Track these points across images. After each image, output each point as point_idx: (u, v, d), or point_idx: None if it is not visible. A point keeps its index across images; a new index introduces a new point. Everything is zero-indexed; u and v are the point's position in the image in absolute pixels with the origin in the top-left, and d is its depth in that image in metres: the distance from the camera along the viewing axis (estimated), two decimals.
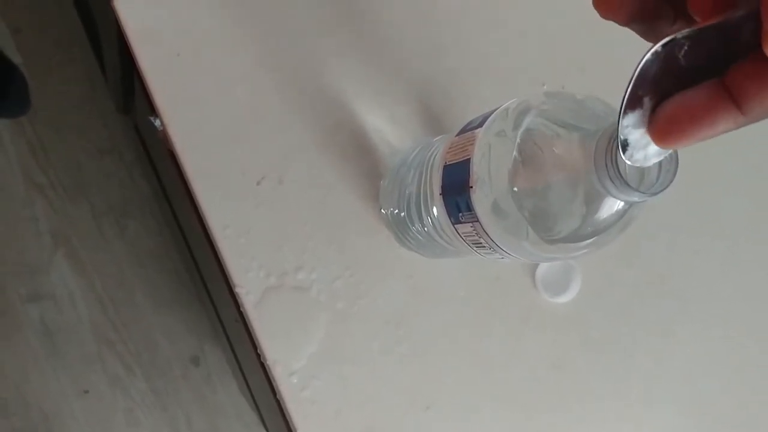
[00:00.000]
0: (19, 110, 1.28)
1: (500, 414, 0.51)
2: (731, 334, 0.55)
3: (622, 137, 0.24)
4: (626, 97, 0.23)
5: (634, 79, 0.23)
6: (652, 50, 0.23)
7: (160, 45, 0.48)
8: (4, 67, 1.28)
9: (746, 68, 0.22)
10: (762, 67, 0.22)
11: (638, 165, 0.25)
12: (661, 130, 0.23)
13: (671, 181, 0.29)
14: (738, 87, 0.22)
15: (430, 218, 0.41)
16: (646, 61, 0.23)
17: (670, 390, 0.53)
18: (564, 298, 0.52)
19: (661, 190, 0.28)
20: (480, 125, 0.36)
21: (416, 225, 0.44)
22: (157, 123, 0.50)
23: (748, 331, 0.55)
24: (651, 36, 0.26)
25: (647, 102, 0.24)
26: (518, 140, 0.32)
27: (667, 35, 0.22)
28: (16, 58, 1.29)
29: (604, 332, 0.53)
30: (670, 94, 0.23)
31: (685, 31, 0.22)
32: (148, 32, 0.48)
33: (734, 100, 0.22)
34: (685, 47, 0.23)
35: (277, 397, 0.49)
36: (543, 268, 0.52)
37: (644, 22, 0.25)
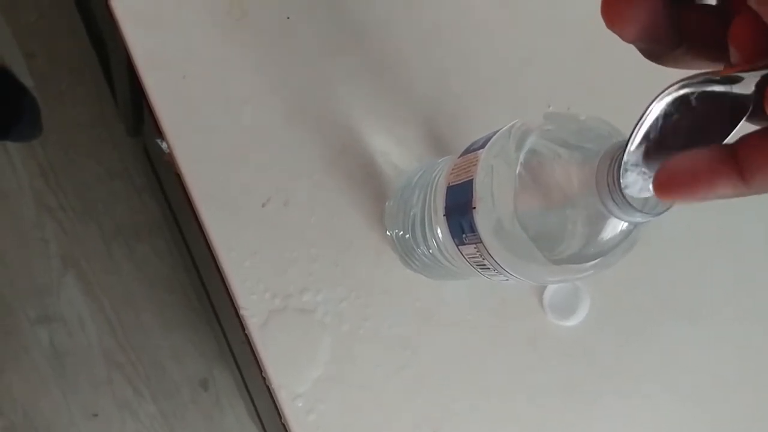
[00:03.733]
0: (31, 134, 1.30)
1: None
2: (743, 357, 0.54)
3: (624, 167, 0.24)
4: (636, 131, 0.23)
5: (649, 113, 0.23)
6: (665, 92, 0.22)
7: (166, 67, 0.49)
8: (17, 91, 1.29)
9: (756, 138, 0.22)
10: None
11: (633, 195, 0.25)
12: (661, 183, 0.23)
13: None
14: (745, 156, 0.22)
15: (435, 240, 0.41)
16: (661, 103, 0.22)
17: (680, 413, 0.53)
18: (572, 322, 0.51)
19: (664, 211, 0.28)
20: (482, 146, 0.36)
21: (421, 247, 0.44)
22: (164, 145, 0.50)
23: (760, 353, 0.54)
24: (653, 57, 0.26)
25: (653, 141, 0.23)
26: (521, 161, 0.32)
27: (672, 59, 0.22)
28: (28, 83, 1.31)
29: (613, 356, 0.52)
30: (684, 135, 0.23)
31: (717, 72, 0.22)
32: (155, 55, 0.49)
33: (739, 168, 0.22)
34: (698, 94, 0.22)
35: (283, 421, 0.48)
36: (550, 291, 0.51)
37: (651, 41, 0.25)
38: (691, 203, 0.23)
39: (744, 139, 0.22)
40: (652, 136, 0.23)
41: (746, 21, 0.22)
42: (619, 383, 0.52)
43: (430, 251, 0.43)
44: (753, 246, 0.55)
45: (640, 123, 0.23)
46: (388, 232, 0.49)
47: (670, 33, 0.24)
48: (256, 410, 1.08)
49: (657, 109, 0.23)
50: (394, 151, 0.51)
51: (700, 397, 0.53)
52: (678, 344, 0.53)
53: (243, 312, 0.47)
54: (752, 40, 0.22)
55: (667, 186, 0.23)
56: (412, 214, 0.44)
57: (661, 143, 0.24)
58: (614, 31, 0.24)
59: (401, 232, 0.46)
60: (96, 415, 1.28)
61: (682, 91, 0.22)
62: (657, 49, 0.25)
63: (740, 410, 0.54)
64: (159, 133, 0.51)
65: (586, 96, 0.54)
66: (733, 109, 0.23)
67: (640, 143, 0.24)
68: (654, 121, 0.23)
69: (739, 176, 0.22)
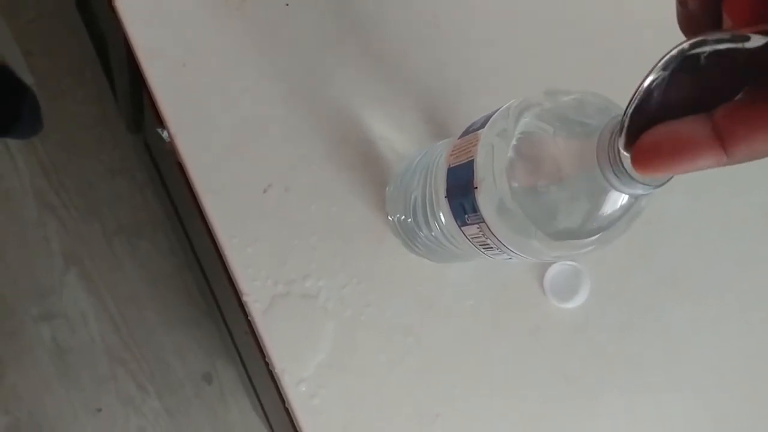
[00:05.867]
0: (31, 131, 1.30)
1: (510, 423, 0.50)
2: (747, 339, 0.54)
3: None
4: (638, 91, 0.23)
5: (649, 75, 0.22)
6: (678, 48, 0.22)
7: (166, 56, 0.49)
8: (17, 89, 1.30)
9: (737, 108, 0.22)
10: (754, 109, 0.21)
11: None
12: (641, 156, 0.23)
13: None
14: (726, 128, 0.22)
15: (437, 222, 0.41)
16: (669, 58, 0.22)
17: (682, 398, 0.53)
18: (573, 304, 0.51)
19: (665, 182, 0.28)
20: (482, 126, 0.36)
21: (423, 230, 0.44)
22: (165, 134, 0.50)
23: (763, 334, 0.54)
24: (690, 26, 0.25)
25: (655, 104, 0.23)
26: (518, 137, 0.32)
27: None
28: (28, 80, 1.31)
29: (615, 337, 0.52)
30: (679, 106, 0.23)
31: (716, 34, 0.21)
32: (155, 43, 0.49)
33: (720, 139, 0.22)
34: (709, 52, 0.22)
35: (286, 406, 0.48)
36: (551, 273, 0.51)
37: (702, 4, 0.24)
38: (671, 175, 0.23)
39: (724, 109, 0.22)
40: (656, 96, 0.23)
41: None
42: (621, 367, 0.52)
43: (433, 234, 0.43)
44: (756, 227, 0.55)
45: (642, 81, 0.23)
46: (389, 217, 0.49)
47: (717, 3, 0.24)
48: (261, 404, 1.08)
49: (661, 65, 0.22)
50: (394, 136, 0.51)
51: (702, 380, 0.53)
52: (679, 327, 0.53)
53: (246, 298, 0.48)
54: (747, 4, 0.22)
55: (646, 159, 0.23)
56: (413, 197, 0.44)
57: (665, 106, 0.23)
58: None
59: (403, 217, 0.47)
60: (100, 411, 1.28)
61: (692, 50, 0.22)
62: (698, 19, 0.25)
63: (742, 393, 0.54)
64: (160, 122, 0.51)
65: (585, 85, 0.54)
66: (743, 71, 0.22)
67: (642, 106, 0.23)
68: (660, 80, 0.23)
69: (720, 147, 0.22)
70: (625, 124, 0.24)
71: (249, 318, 0.48)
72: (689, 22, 0.25)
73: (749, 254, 0.55)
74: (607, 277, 0.52)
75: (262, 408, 1.09)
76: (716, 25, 0.24)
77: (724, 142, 0.22)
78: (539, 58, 0.54)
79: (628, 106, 0.24)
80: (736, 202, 0.56)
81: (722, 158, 0.22)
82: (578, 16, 0.54)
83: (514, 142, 0.33)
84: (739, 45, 0.21)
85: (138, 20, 0.49)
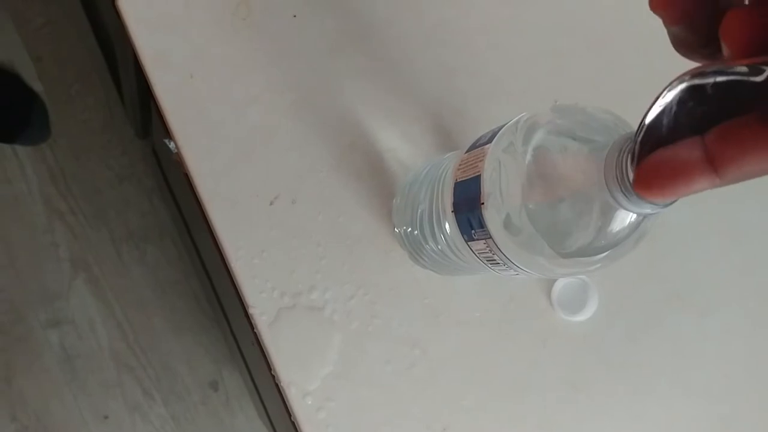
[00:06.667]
0: (40, 138, 1.31)
1: None
2: (755, 350, 0.54)
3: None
4: (646, 118, 0.23)
5: (656, 104, 0.22)
6: (679, 81, 0.22)
7: (173, 67, 0.49)
8: (26, 96, 1.31)
9: (728, 129, 0.21)
10: (743, 129, 0.21)
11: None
12: (641, 180, 0.23)
13: None
14: (717, 149, 0.21)
15: (443, 235, 0.41)
16: (673, 91, 0.22)
17: (690, 408, 0.52)
18: (581, 317, 0.51)
19: (673, 201, 0.27)
20: (489, 141, 0.36)
21: (429, 243, 0.44)
22: (172, 145, 0.50)
23: None
24: (684, 48, 0.25)
25: (666, 129, 0.23)
26: (528, 155, 0.32)
27: (700, 56, 0.21)
28: (37, 87, 1.32)
29: (622, 351, 0.52)
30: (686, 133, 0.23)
31: (713, 66, 0.21)
32: (162, 54, 0.49)
33: (712, 161, 0.21)
34: (713, 83, 0.22)
35: (292, 419, 0.48)
36: (559, 286, 0.51)
37: (690, 29, 0.24)
38: (673, 198, 0.23)
39: (716, 131, 0.22)
40: (665, 122, 0.23)
41: (739, 15, 0.22)
42: (629, 379, 0.52)
43: (439, 247, 0.43)
44: (762, 239, 0.55)
45: (649, 110, 0.23)
46: (396, 229, 0.49)
47: (708, 25, 0.24)
48: (266, 411, 1.08)
49: (669, 96, 0.22)
50: (401, 148, 0.51)
51: (711, 392, 0.53)
52: (687, 339, 0.53)
53: (252, 310, 0.47)
54: (746, 35, 0.22)
55: (647, 183, 0.23)
56: (419, 210, 0.44)
57: (676, 131, 0.23)
58: (657, 14, 0.24)
59: (409, 229, 0.46)
60: (107, 417, 1.28)
61: (696, 81, 0.22)
62: (691, 40, 0.25)
63: (750, 405, 0.53)
64: (167, 133, 0.51)
65: (592, 93, 0.54)
66: (749, 99, 0.22)
67: (651, 131, 0.23)
68: (668, 108, 0.23)
69: (713, 169, 0.21)
70: (636, 151, 0.24)
71: (255, 330, 0.48)
72: (679, 43, 0.25)
73: (756, 265, 0.55)
74: (614, 290, 0.52)
75: (268, 416, 1.09)
76: (706, 44, 0.24)
77: (715, 164, 0.21)
78: (547, 67, 0.54)
79: (637, 132, 0.23)
80: (743, 213, 0.55)
81: (715, 180, 0.22)
82: (585, 25, 0.54)
83: (522, 158, 0.32)
84: (740, 78, 0.21)
85: (145, 29, 0.49)
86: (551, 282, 0.51)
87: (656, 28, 0.53)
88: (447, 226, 0.40)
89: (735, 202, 0.55)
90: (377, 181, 0.50)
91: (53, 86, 1.32)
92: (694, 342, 0.53)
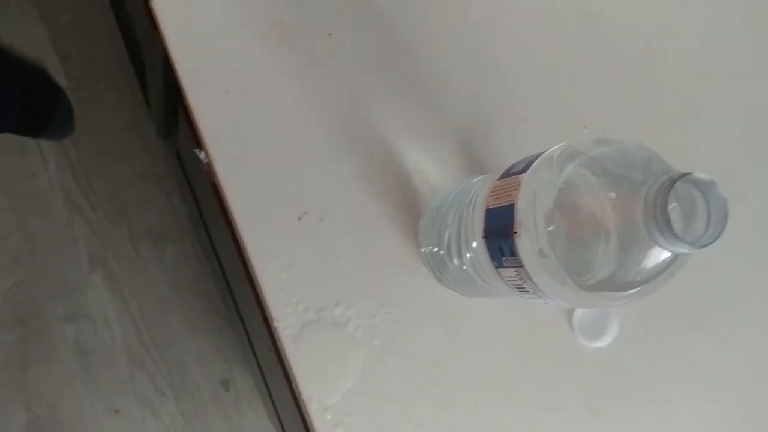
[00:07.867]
0: (63, 133, 1.32)
1: None
2: None
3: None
4: None
5: None
6: None
7: (209, 82, 0.49)
8: (52, 91, 1.32)
9: None
10: None
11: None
12: None
13: (720, 233, 0.29)
14: None
15: (470, 258, 0.41)
16: None
17: None
18: (601, 343, 0.51)
19: (710, 242, 0.28)
20: (524, 170, 0.36)
21: (455, 264, 0.44)
22: (202, 156, 0.51)
23: None
24: None
25: None
26: (562, 186, 0.32)
27: None
28: (63, 83, 1.33)
29: (642, 378, 0.52)
30: None
31: None
32: (198, 70, 0.49)
33: None
34: None
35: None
36: (580, 312, 0.51)
37: None
38: None
39: None
40: None
41: None
42: (648, 407, 0.52)
43: (464, 268, 0.43)
44: None
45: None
46: (422, 249, 0.49)
47: None
48: (277, 413, 1.09)
49: None
50: (430, 169, 0.51)
51: (731, 422, 0.53)
52: (707, 368, 0.53)
53: (276, 324, 0.48)
54: None
55: None
56: (447, 233, 0.44)
57: None
58: None
59: (435, 249, 0.47)
60: (118, 412, 1.29)
61: None
62: None
63: None
64: (197, 142, 0.51)
65: (622, 118, 0.54)
66: None
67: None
68: None
69: None
70: None
71: (278, 343, 0.48)
72: None
73: None
74: (635, 317, 0.52)
75: (278, 417, 1.09)
76: None
77: None
78: (577, 93, 0.54)
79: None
80: (765, 242, 0.55)
81: None
82: (618, 52, 0.54)
83: (557, 190, 0.33)
84: None
85: (183, 45, 0.49)
86: (572, 308, 0.52)
87: (691, 59, 0.53)
88: (475, 248, 0.40)
89: (759, 229, 0.55)
90: (405, 199, 0.50)
91: (79, 83, 1.34)
92: (715, 370, 0.53)
